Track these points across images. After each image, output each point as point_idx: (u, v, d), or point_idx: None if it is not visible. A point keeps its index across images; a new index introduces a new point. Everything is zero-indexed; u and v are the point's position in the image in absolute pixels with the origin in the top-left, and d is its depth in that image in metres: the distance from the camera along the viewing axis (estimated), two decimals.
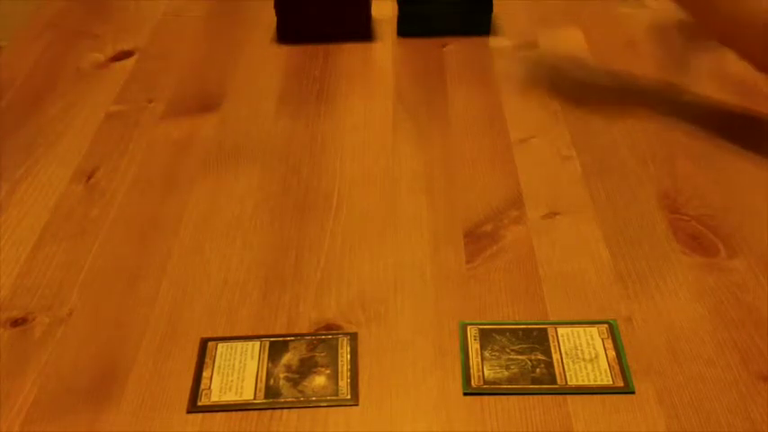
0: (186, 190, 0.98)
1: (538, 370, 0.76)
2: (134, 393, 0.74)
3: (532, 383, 0.74)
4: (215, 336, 0.79)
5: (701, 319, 0.80)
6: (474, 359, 0.77)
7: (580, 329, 0.79)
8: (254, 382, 0.75)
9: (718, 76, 1.17)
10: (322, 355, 0.77)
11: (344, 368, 0.76)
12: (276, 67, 1.22)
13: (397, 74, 1.20)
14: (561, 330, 0.79)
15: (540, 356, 0.77)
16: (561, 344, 0.78)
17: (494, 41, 1.27)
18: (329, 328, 0.80)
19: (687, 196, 0.95)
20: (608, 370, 0.75)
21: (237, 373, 0.76)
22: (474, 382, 0.74)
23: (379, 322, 0.81)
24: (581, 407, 0.72)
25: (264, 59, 1.25)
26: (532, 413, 0.72)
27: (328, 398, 0.73)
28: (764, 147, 1.03)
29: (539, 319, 0.81)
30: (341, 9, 1.27)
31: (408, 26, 1.29)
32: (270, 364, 0.77)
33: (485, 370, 0.76)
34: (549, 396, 0.73)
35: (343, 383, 0.75)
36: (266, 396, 0.74)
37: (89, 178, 1.00)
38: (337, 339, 0.79)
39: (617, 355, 0.77)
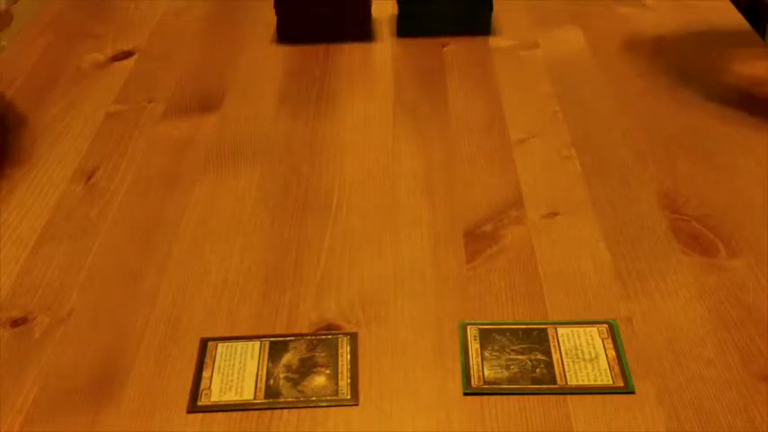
0: (186, 190, 0.98)
1: (538, 370, 0.76)
2: (134, 393, 0.74)
3: (532, 383, 0.74)
4: (215, 336, 0.79)
5: (700, 319, 0.80)
6: (474, 359, 0.77)
7: (580, 329, 0.79)
8: (254, 382, 0.75)
9: (719, 76, 1.17)
10: (322, 355, 0.77)
11: (344, 368, 0.76)
12: (276, 67, 1.22)
13: (397, 74, 1.20)
14: (561, 330, 0.79)
15: (540, 356, 0.77)
16: (561, 344, 0.78)
17: (494, 41, 1.28)
18: (329, 328, 0.80)
19: (687, 196, 0.95)
20: (608, 370, 0.75)
21: (237, 373, 0.76)
22: (474, 382, 0.74)
23: (379, 322, 0.81)
24: (581, 407, 0.72)
25: (264, 59, 1.25)
26: (532, 413, 0.72)
27: (328, 398, 0.73)
28: (765, 147, 1.03)
29: (539, 319, 0.81)
30: (341, 9, 1.27)
31: (408, 26, 1.29)
32: (270, 364, 0.77)
33: (485, 370, 0.76)
34: (549, 396, 0.73)
35: (343, 383, 0.75)
36: (266, 396, 0.74)
37: (89, 178, 1.00)
38: (337, 339, 0.79)
39: (617, 355, 0.77)
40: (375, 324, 0.80)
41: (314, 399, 0.73)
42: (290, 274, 0.86)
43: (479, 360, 0.76)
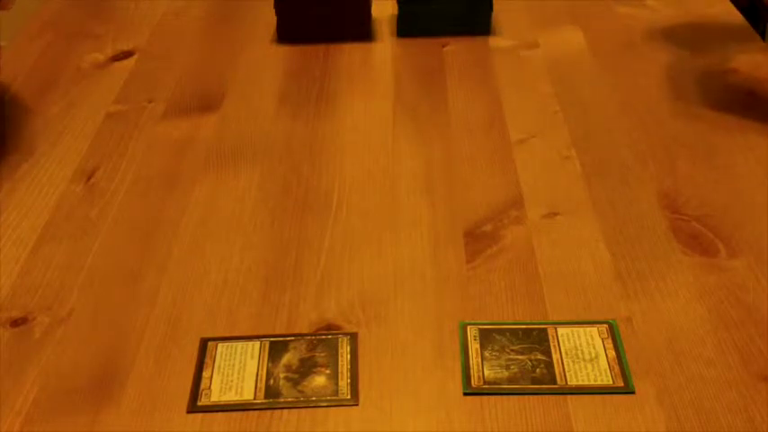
0: (186, 190, 0.98)
1: (538, 370, 0.76)
2: (134, 393, 0.74)
3: (532, 383, 0.74)
4: (215, 336, 0.79)
5: (700, 319, 0.80)
6: (474, 359, 0.77)
7: (580, 329, 0.79)
8: (254, 382, 0.75)
9: (719, 76, 1.17)
10: (322, 355, 0.77)
11: (344, 368, 0.76)
12: (276, 67, 1.22)
13: (397, 74, 1.20)
14: (561, 330, 0.79)
15: (540, 356, 0.77)
16: (561, 344, 0.78)
17: (494, 41, 1.28)
18: (329, 328, 0.80)
19: (687, 196, 0.95)
20: (608, 370, 0.75)
21: (237, 373, 0.76)
22: (474, 382, 0.74)
23: (379, 322, 0.81)
24: (581, 407, 0.72)
25: (264, 59, 1.25)
26: (532, 413, 0.72)
27: (328, 398, 0.73)
28: (765, 147, 1.03)
29: (539, 319, 0.81)
30: (341, 9, 1.27)
31: (408, 26, 1.29)
32: (270, 364, 0.77)
33: (485, 370, 0.76)
34: (549, 396, 0.73)
35: (343, 383, 0.75)
36: (266, 396, 0.74)
37: (89, 178, 1.00)
38: (337, 339, 0.79)
39: (617, 355, 0.77)
40: (375, 324, 0.80)
41: (314, 399, 0.73)
42: (290, 274, 0.86)
43: (479, 360, 0.76)
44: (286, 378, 0.75)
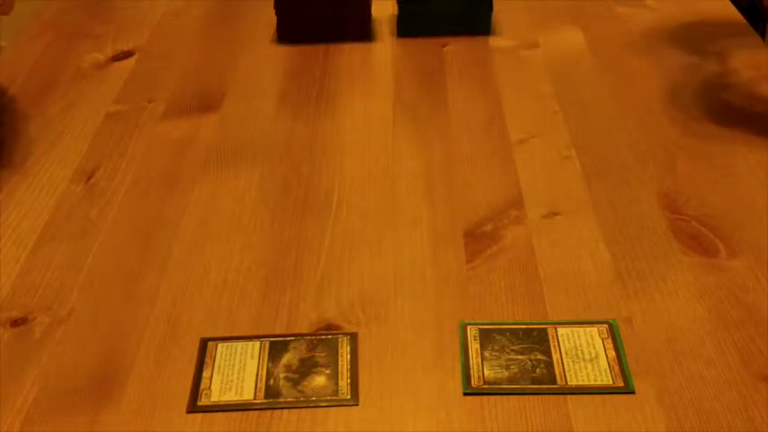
0: (186, 190, 0.98)
1: (538, 370, 0.76)
2: (134, 393, 0.74)
3: (532, 383, 0.74)
4: (215, 336, 0.79)
5: (700, 320, 0.80)
6: (474, 359, 0.77)
7: (580, 329, 0.79)
8: (254, 382, 0.75)
9: (718, 76, 1.17)
10: (322, 355, 0.77)
11: (344, 368, 0.76)
12: (276, 67, 1.22)
13: (397, 74, 1.20)
14: (561, 330, 0.79)
15: (540, 356, 0.77)
16: (561, 344, 0.78)
17: (494, 41, 1.28)
18: (329, 328, 0.80)
19: (687, 196, 0.95)
20: (608, 370, 0.75)
21: (237, 373, 0.76)
22: (474, 382, 0.74)
23: (379, 322, 0.81)
24: (581, 407, 0.72)
25: (264, 59, 1.25)
26: (532, 413, 0.72)
27: (328, 398, 0.73)
28: (765, 147, 1.03)
29: (539, 319, 0.81)
30: (341, 9, 1.27)
31: (408, 26, 1.29)
32: (270, 364, 0.77)
33: (485, 370, 0.76)
34: (549, 396, 0.73)
35: (343, 383, 0.75)
36: (266, 396, 0.74)
37: (89, 178, 1.00)
38: (337, 339, 0.79)
39: (617, 356, 0.77)
40: (375, 324, 0.80)
41: (314, 399, 0.73)
42: (290, 274, 0.86)
43: (479, 360, 0.76)
44: (286, 378, 0.75)
